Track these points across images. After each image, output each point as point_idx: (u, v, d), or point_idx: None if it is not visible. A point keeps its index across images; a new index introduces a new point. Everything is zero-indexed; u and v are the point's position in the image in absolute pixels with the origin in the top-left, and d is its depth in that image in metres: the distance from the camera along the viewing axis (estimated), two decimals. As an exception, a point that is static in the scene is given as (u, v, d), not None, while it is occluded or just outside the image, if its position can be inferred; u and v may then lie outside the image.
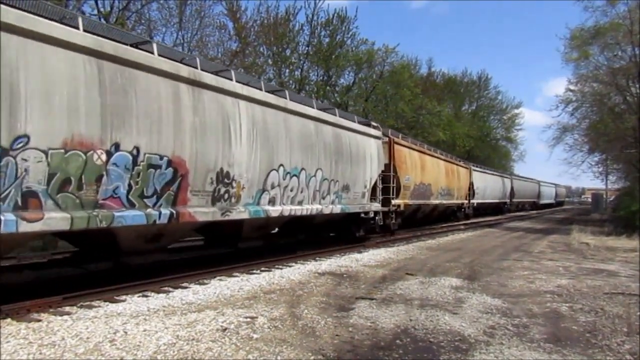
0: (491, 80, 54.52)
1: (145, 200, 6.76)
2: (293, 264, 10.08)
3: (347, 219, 13.31)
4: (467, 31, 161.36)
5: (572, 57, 27.53)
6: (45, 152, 5.44)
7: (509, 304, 6.81)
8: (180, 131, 7.24)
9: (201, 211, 7.72)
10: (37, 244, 10.96)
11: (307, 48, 27.43)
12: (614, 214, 33.84)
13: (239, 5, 24.55)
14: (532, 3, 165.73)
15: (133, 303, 6.32)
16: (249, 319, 5.56)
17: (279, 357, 4.38)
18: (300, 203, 10.47)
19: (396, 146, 16.45)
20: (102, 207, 6.15)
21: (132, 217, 6.50)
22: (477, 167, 32.88)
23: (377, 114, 29.40)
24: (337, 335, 5.11)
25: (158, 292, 7.01)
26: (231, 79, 8.63)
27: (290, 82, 26.35)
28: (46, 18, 5.74)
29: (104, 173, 6.15)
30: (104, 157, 6.11)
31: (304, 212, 10.61)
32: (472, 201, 29.35)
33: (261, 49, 26.07)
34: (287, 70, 27.15)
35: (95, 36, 6.20)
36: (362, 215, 13.62)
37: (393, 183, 15.61)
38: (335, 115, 12.32)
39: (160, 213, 6.93)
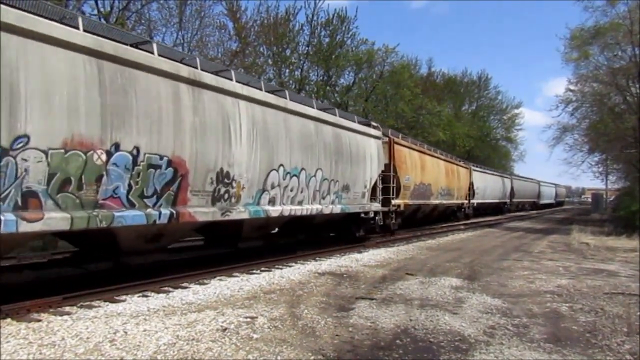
0: (491, 80, 54.62)
1: (145, 200, 6.76)
2: (293, 264, 10.08)
3: (347, 219, 13.30)
4: (467, 31, 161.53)
5: (572, 57, 27.56)
6: (45, 152, 5.44)
7: (509, 304, 6.81)
8: (180, 131, 7.24)
9: (201, 211, 7.72)
10: (37, 244, 10.97)
11: (307, 48, 27.45)
12: (614, 214, 33.84)
13: (239, 5, 24.59)
14: (532, 3, 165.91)
15: (133, 303, 6.32)
16: (249, 319, 5.56)
17: (279, 357, 4.38)
18: (300, 203, 10.47)
19: (396, 146, 16.45)
20: (102, 207, 6.15)
21: (132, 217, 6.50)
22: (477, 167, 32.89)
23: (377, 114, 29.41)
24: (337, 335, 5.11)
25: (158, 292, 7.01)
26: (231, 79, 8.63)
27: (290, 82, 26.36)
28: (46, 18, 5.74)
29: (104, 173, 6.15)
30: (104, 157, 6.11)
31: (304, 212, 10.61)
32: (472, 201, 29.35)
33: (261, 49, 26.10)
34: (287, 70, 27.18)
35: (95, 36, 6.19)
36: (362, 215, 13.61)
37: (393, 183, 15.61)
38: (335, 115, 12.31)
39: (160, 213, 6.93)
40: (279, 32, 25.62)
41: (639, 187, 25.45)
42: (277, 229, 11.71)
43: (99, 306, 6.11)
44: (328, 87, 28.51)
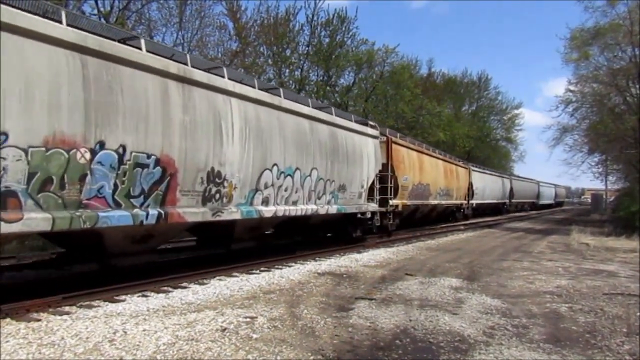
0: (491, 80, 54.59)
1: (132, 200, 6.61)
2: (293, 264, 10.08)
3: (344, 219, 13.18)
4: (467, 31, 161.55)
5: (572, 57, 27.53)
6: (25, 151, 5.25)
7: (509, 304, 6.81)
8: (169, 129, 7.08)
9: (191, 211, 7.58)
10: (36, 244, 10.97)
11: (307, 48, 27.43)
12: (613, 214, 33.85)
13: (239, 5, 24.55)
14: (532, 3, 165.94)
15: (132, 303, 6.32)
16: (248, 319, 5.56)
17: (278, 357, 4.38)
18: (294, 203, 10.34)
19: (394, 146, 16.36)
20: (86, 207, 5.98)
21: (117, 217, 6.33)
22: (476, 167, 32.89)
23: (377, 114, 29.39)
24: (336, 335, 5.11)
25: (157, 292, 7.01)
26: (223, 76, 8.46)
27: (290, 82, 26.35)
28: (27, 12, 5.54)
29: (88, 172, 5.97)
30: (87, 155, 5.94)
31: (299, 213, 10.47)
32: (471, 201, 29.35)
33: (261, 49, 26.08)
34: (287, 70, 27.15)
35: (79, 31, 6.00)
36: (359, 215, 13.48)
37: (391, 183, 15.55)
38: (331, 113, 12.15)
39: (147, 213, 6.76)
40: (279, 32, 25.61)
41: (639, 187, 25.44)
42: (271, 230, 11.65)
43: (99, 306, 6.11)
44: (328, 87, 28.49)
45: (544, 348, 4.89)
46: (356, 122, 13.58)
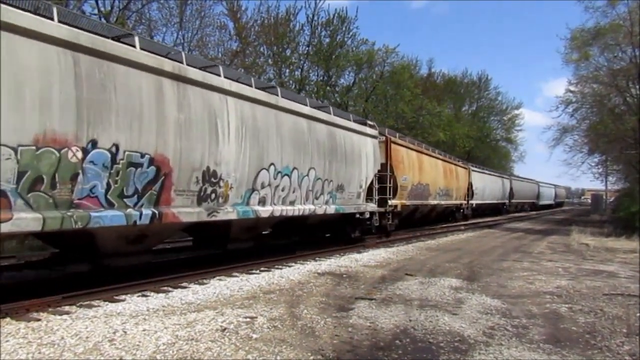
0: (491, 81, 54.69)
1: (125, 200, 6.52)
2: (293, 264, 10.08)
3: (342, 219, 13.12)
4: (467, 31, 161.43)
5: (573, 58, 27.53)
6: (15, 149, 5.15)
7: (509, 304, 6.81)
8: (164, 128, 6.98)
9: (186, 211, 7.50)
10: (36, 244, 10.96)
11: (307, 48, 27.47)
12: (613, 215, 33.84)
13: (240, 5, 24.61)
14: (532, 3, 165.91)
15: (132, 303, 6.32)
16: (248, 319, 5.56)
17: (278, 357, 4.38)
18: (292, 203, 10.27)
19: (393, 145, 16.32)
20: (78, 207, 5.89)
21: (110, 217, 6.24)
22: (476, 167, 32.90)
23: (377, 114, 29.41)
24: (336, 335, 5.11)
25: (157, 292, 7.01)
26: (219, 75, 8.38)
27: (291, 82, 26.37)
28: (18, 8, 5.43)
29: (80, 171, 5.87)
30: (79, 154, 5.84)
31: (296, 213, 10.39)
32: (471, 202, 29.35)
33: (261, 49, 26.13)
34: (287, 70, 27.19)
35: (71, 27, 5.90)
36: (358, 216, 13.43)
37: (390, 183, 15.53)
38: (329, 113, 12.05)
39: (141, 213, 6.67)
40: (279, 32, 25.64)
41: (639, 188, 25.44)
42: (269, 230, 11.59)
43: (99, 306, 6.10)
44: (328, 87, 28.52)
45: (544, 348, 4.89)
46: (355, 121, 13.50)
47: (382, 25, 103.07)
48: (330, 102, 26.49)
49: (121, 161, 6.38)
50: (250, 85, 9.22)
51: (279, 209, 9.81)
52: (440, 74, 48.07)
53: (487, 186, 33.95)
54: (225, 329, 5.16)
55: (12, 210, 5.18)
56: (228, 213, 8.42)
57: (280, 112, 9.85)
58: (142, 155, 6.69)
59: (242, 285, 7.69)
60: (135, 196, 6.69)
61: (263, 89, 9.69)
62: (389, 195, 15.44)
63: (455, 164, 26.12)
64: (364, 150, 13.44)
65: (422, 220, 22.09)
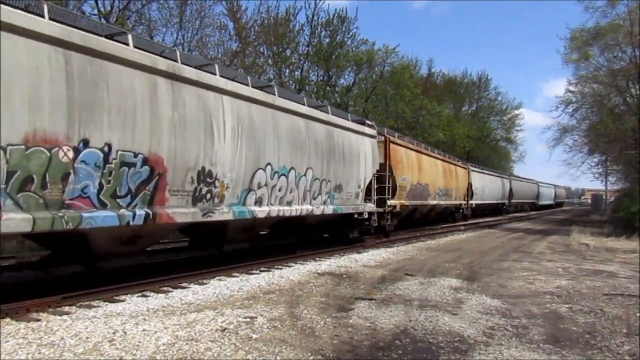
0: (491, 81, 54.65)
1: (118, 200, 6.45)
2: (293, 264, 10.08)
3: (340, 220, 13.06)
4: (467, 31, 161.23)
5: (572, 58, 27.52)
6: (4, 149, 5.09)
7: (509, 304, 6.81)
8: (157, 127, 6.90)
9: (180, 212, 7.42)
10: (36, 244, 10.94)
11: (307, 48, 27.44)
12: (613, 215, 33.83)
13: (239, 5, 24.57)
14: (532, 3, 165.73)
15: (132, 303, 6.32)
16: (248, 319, 5.56)
17: (278, 357, 4.38)
18: (289, 203, 10.21)
19: (392, 145, 16.29)
20: (69, 207, 5.81)
21: (102, 218, 6.15)
22: (475, 167, 32.91)
23: (377, 114, 29.41)
24: (336, 335, 5.11)
25: (157, 292, 7.01)
26: (215, 74, 8.30)
27: (290, 82, 26.37)
28: (6, 4, 5.34)
29: (71, 171, 5.79)
30: (70, 154, 5.76)
31: (294, 213, 10.32)
32: (470, 202, 29.34)
33: (261, 49, 26.11)
34: (287, 71, 27.18)
35: (62, 25, 5.83)
36: (356, 216, 13.36)
37: (389, 183, 15.50)
38: (327, 112, 11.98)
39: (134, 214, 6.59)
40: (279, 32, 25.63)
41: (639, 188, 25.45)
42: (266, 231, 11.54)
43: (98, 306, 6.11)
44: (328, 88, 28.51)
45: (544, 348, 4.89)
46: (353, 121, 13.44)
47: (382, 26, 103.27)
48: (330, 102, 26.49)
49: (114, 161, 6.31)
50: (247, 85, 9.15)
51: (276, 209, 9.75)
52: (440, 74, 48.13)
53: (487, 186, 33.96)
54: (225, 329, 5.16)
55: (0, 211, 5.10)
56: (224, 213, 8.35)
57: (277, 112, 9.79)
58: (136, 155, 6.62)
59: (242, 285, 7.69)
60: (129, 196, 6.61)
61: (260, 88, 9.62)
62: (388, 195, 15.40)
63: (454, 164, 26.12)
64: (362, 150, 13.39)
65: (421, 220, 22.08)
